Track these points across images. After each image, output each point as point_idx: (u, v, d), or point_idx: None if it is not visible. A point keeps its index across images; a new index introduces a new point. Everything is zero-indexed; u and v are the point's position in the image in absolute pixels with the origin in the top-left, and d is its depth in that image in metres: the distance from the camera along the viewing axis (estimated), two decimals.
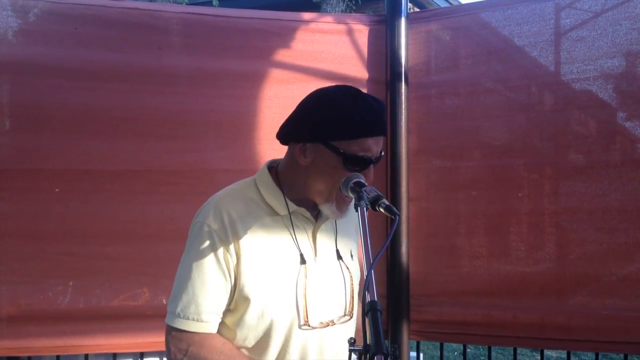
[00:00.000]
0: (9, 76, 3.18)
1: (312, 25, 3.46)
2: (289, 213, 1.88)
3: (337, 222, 2.00)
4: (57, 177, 3.19)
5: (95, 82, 3.21)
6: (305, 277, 1.86)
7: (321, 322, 1.89)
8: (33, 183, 3.17)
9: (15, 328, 3.11)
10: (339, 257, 1.97)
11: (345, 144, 1.77)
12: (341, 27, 3.49)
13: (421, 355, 4.05)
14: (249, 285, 1.81)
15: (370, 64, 3.49)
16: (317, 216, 1.95)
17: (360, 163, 1.78)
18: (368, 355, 1.35)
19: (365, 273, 1.47)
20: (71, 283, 3.18)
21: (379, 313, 1.40)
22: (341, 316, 1.95)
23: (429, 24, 3.53)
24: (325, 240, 1.96)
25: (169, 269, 3.18)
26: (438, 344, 3.73)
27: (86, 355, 3.32)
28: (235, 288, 1.82)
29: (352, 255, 2.03)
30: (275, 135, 3.32)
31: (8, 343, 3.11)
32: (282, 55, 3.44)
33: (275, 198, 1.89)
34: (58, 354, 3.28)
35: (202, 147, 3.32)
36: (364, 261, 1.54)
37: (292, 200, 1.89)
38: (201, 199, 3.29)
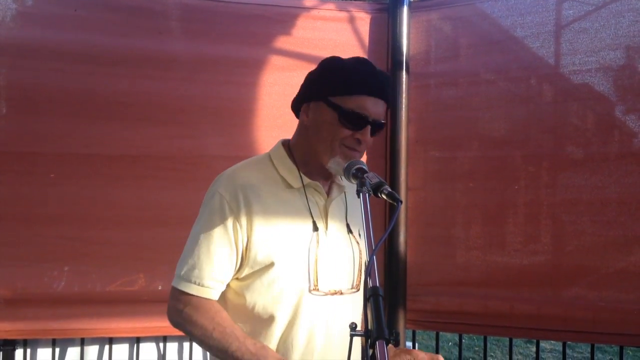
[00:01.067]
0: (8, 59, 3.17)
1: (314, 12, 3.45)
2: (303, 186, 1.92)
3: (347, 200, 2.03)
4: (55, 161, 3.18)
5: (94, 66, 3.20)
6: (317, 243, 1.89)
7: (330, 290, 1.91)
8: (31, 166, 3.16)
9: (11, 311, 3.12)
10: (349, 231, 1.99)
11: (342, 100, 1.83)
12: (343, 14, 3.48)
13: (416, 345, 4.05)
14: (260, 254, 1.84)
15: (372, 52, 3.48)
16: (328, 192, 1.98)
17: (355, 120, 1.82)
18: (370, 341, 1.35)
19: (367, 260, 1.46)
20: (66, 268, 3.19)
21: (380, 299, 1.40)
22: (349, 288, 1.97)
23: (431, 13, 3.51)
24: (336, 214, 1.98)
25: (165, 254, 3.18)
26: (431, 334, 3.73)
27: (82, 340, 3.32)
28: (245, 257, 1.85)
29: (360, 234, 2.04)
30: (274, 122, 3.34)
31: (4, 326, 3.11)
32: (282, 42, 3.42)
33: (289, 171, 1.93)
34: (54, 337, 3.28)
35: (200, 133, 3.32)
36: (365, 247, 1.54)
37: (305, 174, 1.93)
38: (199, 185, 3.27)
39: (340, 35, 3.46)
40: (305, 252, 1.87)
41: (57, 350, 3.35)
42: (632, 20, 3.07)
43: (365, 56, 3.42)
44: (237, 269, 1.87)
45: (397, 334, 1.37)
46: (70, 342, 3.36)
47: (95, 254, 3.20)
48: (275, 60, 3.40)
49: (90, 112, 3.19)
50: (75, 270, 3.19)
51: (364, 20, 3.49)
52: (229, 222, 1.83)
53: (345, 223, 2.00)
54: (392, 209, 3.33)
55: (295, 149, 1.97)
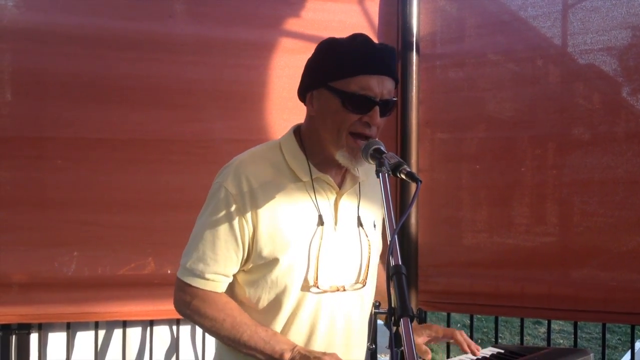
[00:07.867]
0: (17, 44, 3.15)
1: None
2: (312, 179, 1.84)
3: (361, 190, 1.96)
4: (66, 146, 3.18)
5: (104, 50, 3.18)
6: (321, 238, 1.83)
7: (331, 286, 1.86)
8: (41, 151, 3.16)
9: (25, 296, 3.12)
10: (360, 224, 1.93)
11: (343, 84, 1.73)
12: None
13: None
14: (265, 250, 1.80)
15: (382, 34, 3.46)
16: (341, 184, 1.91)
17: (360, 103, 1.72)
18: (394, 318, 1.35)
19: (389, 239, 1.45)
20: (77, 253, 3.18)
21: (403, 276, 1.38)
22: (353, 283, 1.91)
23: None
24: (347, 207, 1.91)
25: (176, 238, 3.16)
26: (441, 316, 3.75)
27: (96, 323, 3.34)
28: (251, 252, 1.82)
29: (374, 225, 1.99)
30: (284, 105, 3.33)
31: (19, 310, 3.13)
32: (291, 24, 3.40)
33: (298, 163, 1.85)
34: (68, 321, 3.30)
35: (211, 116, 3.31)
36: (387, 227, 1.51)
37: (315, 165, 1.85)
38: (210, 168, 3.24)
39: (350, 17, 3.43)
40: (307, 247, 1.82)
41: (71, 333, 3.36)
42: None
43: (375, 37, 3.44)
44: (243, 262, 1.84)
45: (422, 311, 1.37)
46: (84, 325, 3.38)
47: (106, 238, 3.21)
48: (284, 43, 3.38)
49: (101, 96, 3.18)
50: (87, 255, 3.20)
51: (373, 2, 3.48)
52: (235, 217, 1.78)
53: (356, 215, 1.94)
54: (403, 190, 3.34)
55: (305, 139, 1.88)
